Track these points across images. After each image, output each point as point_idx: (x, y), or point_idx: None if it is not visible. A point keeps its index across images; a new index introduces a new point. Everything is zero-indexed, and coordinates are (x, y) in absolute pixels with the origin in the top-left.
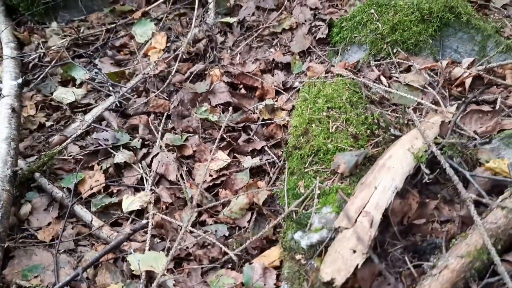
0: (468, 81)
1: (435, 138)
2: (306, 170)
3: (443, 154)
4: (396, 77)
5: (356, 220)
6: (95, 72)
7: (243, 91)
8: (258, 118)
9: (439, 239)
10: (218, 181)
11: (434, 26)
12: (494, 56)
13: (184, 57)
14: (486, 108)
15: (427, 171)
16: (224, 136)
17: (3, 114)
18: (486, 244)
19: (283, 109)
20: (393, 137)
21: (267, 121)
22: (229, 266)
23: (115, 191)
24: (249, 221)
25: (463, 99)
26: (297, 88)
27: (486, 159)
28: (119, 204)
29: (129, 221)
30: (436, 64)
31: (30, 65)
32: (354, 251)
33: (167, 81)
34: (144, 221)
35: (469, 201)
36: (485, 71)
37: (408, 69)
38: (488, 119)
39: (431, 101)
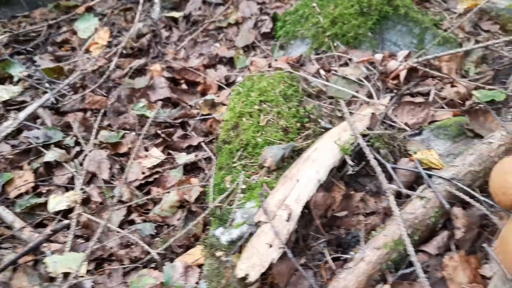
0: (403, 74)
1: (364, 130)
2: (234, 165)
3: (370, 146)
4: (335, 71)
5: (275, 214)
6: (33, 69)
7: (184, 86)
8: (198, 113)
9: (360, 231)
10: (151, 179)
11: (373, 19)
12: (431, 48)
13: (126, 52)
14: (419, 99)
15: (352, 163)
16: (159, 132)
17: None
18: (402, 234)
19: (224, 104)
20: (323, 130)
21: (206, 117)
22: (153, 265)
23: (44, 191)
24: (179, 219)
25: (396, 91)
26: (238, 82)
27: (414, 151)
28: (46, 205)
29: (55, 221)
30: (373, 57)
31: None
32: (271, 246)
33: (104, 76)
34: (66, 221)
35: (389, 192)
36: (420, 63)
37: (347, 63)
38: (419, 110)
39: (365, 94)
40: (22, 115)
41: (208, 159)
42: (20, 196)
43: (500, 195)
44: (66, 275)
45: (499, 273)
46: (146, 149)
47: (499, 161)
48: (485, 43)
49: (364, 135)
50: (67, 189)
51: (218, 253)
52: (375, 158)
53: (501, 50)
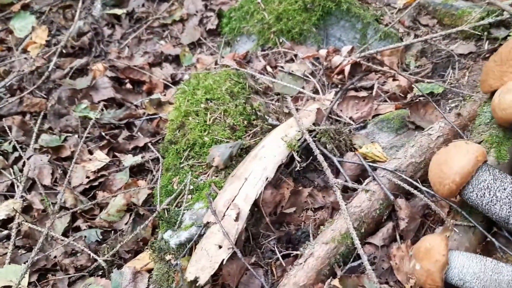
0: (347, 69)
1: (310, 125)
2: (181, 165)
3: (316, 141)
4: (281, 67)
5: (224, 214)
6: None
7: (129, 86)
8: (144, 113)
9: (310, 227)
10: (96, 183)
11: (317, 15)
12: (373, 43)
13: (66, 51)
14: (363, 94)
15: (299, 159)
16: (104, 134)
17: None
18: (349, 228)
19: (170, 103)
20: (270, 127)
21: (153, 117)
22: (100, 273)
23: None
24: (126, 224)
25: (341, 86)
26: (185, 81)
27: (359, 144)
28: None
29: None
30: (318, 52)
31: None
32: (220, 247)
33: (44, 77)
34: (6, 232)
35: (336, 186)
36: (363, 58)
37: (293, 59)
38: (364, 104)
39: (311, 90)
40: None
41: (155, 160)
42: None
43: (437, 185)
44: None
45: None
46: (90, 152)
47: (436, 153)
48: (424, 37)
49: (310, 131)
50: (6, 198)
51: (167, 257)
52: (322, 153)
53: (439, 44)
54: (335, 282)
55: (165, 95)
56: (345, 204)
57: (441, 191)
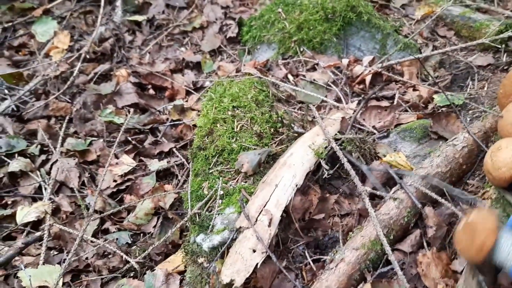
0: (368, 78)
1: (336, 134)
2: (210, 171)
3: (342, 149)
4: (303, 75)
5: (256, 219)
6: None
7: (151, 91)
8: (167, 119)
9: (338, 233)
10: (123, 186)
11: (338, 25)
12: (393, 54)
13: (89, 57)
14: (384, 103)
15: (327, 167)
16: (130, 139)
17: None
18: (379, 235)
19: (193, 110)
20: (296, 135)
21: (176, 122)
22: (132, 275)
23: (9, 202)
24: (154, 227)
25: (363, 95)
26: (207, 87)
27: (383, 153)
28: (13, 216)
29: (24, 234)
30: (339, 62)
31: None
32: (254, 251)
33: (69, 82)
34: (38, 233)
35: (364, 194)
36: (384, 68)
37: (314, 67)
38: (386, 114)
39: (334, 98)
40: None
41: (181, 165)
42: None
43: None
44: None
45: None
46: (117, 156)
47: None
48: (444, 49)
49: (336, 139)
50: (34, 200)
51: (200, 260)
52: (349, 161)
53: (457, 55)
54: (367, 286)
55: (187, 101)
56: (374, 211)
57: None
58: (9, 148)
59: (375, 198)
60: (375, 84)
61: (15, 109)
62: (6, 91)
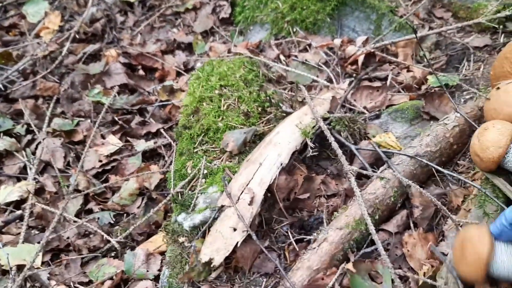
0: (361, 59)
1: (325, 113)
2: (195, 150)
3: (331, 129)
4: (295, 56)
5: (239, 198)
6: None
7: (141, 72)
8: (156, 100)
9: (323, 213)
10: (109, 167)
11: (332, 5)
12: (388, 34)
13: (79, 37)
14: (377, 84)
15: (312, 145)
16: (117, 119)
17: None
18: (363, 214)
19: (182, 91)
20: (284, 114)
21: (165, 103)
22: (113, 255)
23: None
24: (139, 207)
25: (355, 76)
26: (198, 68)
27: (373, 134)
28: None
29: (6, 213)
30: (332, 42)
31: None
32: (235, 230)
33: (57, 62)
34: (19, 212)
35: (351, 173)
36: (378, 49)
37: (306, 48)
38: (378, 94)
39: (325, 79)
40: None
41: (168, 146)
42: None
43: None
44: (20, 267)
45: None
46: (103, 137)
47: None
48: (439, 29)
49: (325, 119)
50: (18, 179)
51: (181, 239)
52: (337, 141)
53: (454, 37)
54: (349, 266)
55: (177, 82)
56: (360, 191)
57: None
58: None
59: (362, 178)
60: (368, 65)
61: (2, 88)
62: None
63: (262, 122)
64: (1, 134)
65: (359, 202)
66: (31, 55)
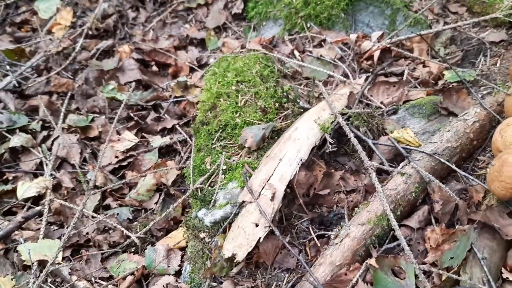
0: (376, 54)
1: (342, 109)
2: (213, 146)
3: (349, 124)
4: (310, 52)
5: (259, 194)
6: None
7: (155, 68)
8: (170, 96)
9: (344, 209)
10: (125, 163)
11: (346, 0)
12: (403, 30)
13: (92, 33)
14: (393, 79)
15: (331, 141)
16: (132, 115)
17: None
18: (385, 210)
19: (197, 87)
20: (302, 110)
21: (179, 99)
22: (132, 250)
23: (10, 177)
24: (156, 203)
25: (371, 71)
26: (211, 64)
27: (391, 129)
28: (14, 192)
29: (25, 209)
30: (347, 38)
31: None
32: (257, 225)
33: (70, 58)
34: (38, 208)
35: (371, 169)
36: (393, 44)
37: (321, 44)
38: (394, 90)
39: (341, 74)
40: None
41: (183, 142)
42: None
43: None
44: (41, 262)
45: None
46: (118, 133)
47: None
48: (454, 24)
49: (342, 114)
50: (35, 175)
51: (202, 235)
52: (356, 136)
53: (469, 32)
54: (372, 261)
55: (191, 78)
56: (381, 187)
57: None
58: (11, 123)
59: (382, 174)
60: (383, 60)
61: (16, 85)
62: (7, 67)
63: (280, 118)
64: (17, 130)
65: (381, 198)
66: (44, 51)
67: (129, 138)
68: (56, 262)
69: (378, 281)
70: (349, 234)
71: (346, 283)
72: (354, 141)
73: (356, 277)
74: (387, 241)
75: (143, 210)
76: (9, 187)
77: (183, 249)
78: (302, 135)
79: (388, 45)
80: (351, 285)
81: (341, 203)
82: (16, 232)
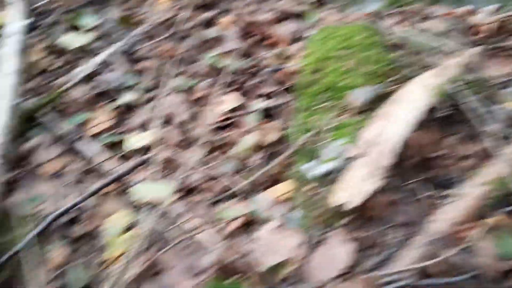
0: (488, 28)
1: (454, 77)
2: (317, 107)
3: (462, 91)
4: (415, 25)
5: (369, 150)
6: (105, 18)
7: (254, 39)
8: (270, 64)
9: (458, 172)
10: (228, 122)
11: None
12: None
13: (195, 5)
14: (508, 52)
15: (444, 106)
16: (232, 80)
17: (13, 50)
18: (505, 173)
19: (294, 58)
20: (409, 77)
21: (279, 67)
22: (237, 198)
23: (121, 131)
24: (260, 159)
25: (483, 44)
26: (311, 36)
27: (505, 100)
28: (125, 143)
29: (135, 157)
30: (454, 11)
31: (38, 10)
32: (367, 179)
33: (175, 27)
34: (148, 155)
35: (489, 134)
36: (507, 18)
37: (426, 17)
38: (509, 62)
39: (450, 47)
40: (96, 60)
41: (285, 104)
42: (97, 135)
43: None
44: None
45: None
46: (221, 96)
47: None
48: None
49: (455, 81)
50: (144, 130)
51: (309, 186)
52: (469, 103)
53: None
54: (491, 220)
55: (289, 49)
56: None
57: None
58: (122, 82)
59: (498, 140)
60: (496, 34)
61: (126, 49)
62: (119, 33)
63: (387, 82)
64: (127, 89)
65: (503, 160)
66: (152, 20)
67: (231, 100)
68: (168, 202)
69: (500, 240)
70: (466, 194)
71: (462, 240)
72: (467, 106)
73: (474, 235)
74: (505, 205)
75: (247, 166)
76: (120, 137)
77: (287, 200)
78: (413, 98)
79: (502, 19)
80: (467, 241)
81: (456, 166)
82: (127, 176)
